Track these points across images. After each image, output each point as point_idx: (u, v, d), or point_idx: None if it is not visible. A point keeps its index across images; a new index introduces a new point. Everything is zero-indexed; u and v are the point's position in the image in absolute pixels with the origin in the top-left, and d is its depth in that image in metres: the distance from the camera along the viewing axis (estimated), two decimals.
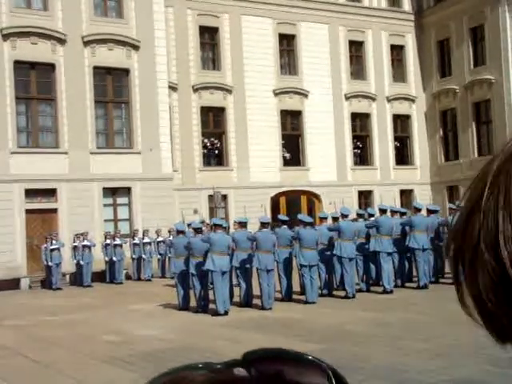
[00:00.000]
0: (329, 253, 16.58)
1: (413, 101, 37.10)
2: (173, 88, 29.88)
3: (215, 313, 14.26)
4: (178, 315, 14.85)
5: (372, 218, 18.14)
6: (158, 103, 27.54)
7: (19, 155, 24.86)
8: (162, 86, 27.88)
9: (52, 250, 23.39)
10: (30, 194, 24.88)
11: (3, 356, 10.78)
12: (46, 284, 23.72)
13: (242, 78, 32.03)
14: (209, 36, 32.25)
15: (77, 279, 24.29)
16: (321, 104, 33.82)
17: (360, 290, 16.74)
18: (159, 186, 26.81)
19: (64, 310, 16.64)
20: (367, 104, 35.68)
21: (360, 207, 28.71)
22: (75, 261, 24.09)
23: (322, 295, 16.21)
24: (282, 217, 17.74)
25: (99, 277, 24.42)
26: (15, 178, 24.43)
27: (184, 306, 15.53)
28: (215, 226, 15.15)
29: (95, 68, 26.60)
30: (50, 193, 25.44)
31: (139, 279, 25.26)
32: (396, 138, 36.62)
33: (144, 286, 22.74)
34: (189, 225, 18.05)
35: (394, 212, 18.23)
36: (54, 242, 23.57)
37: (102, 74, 27.00)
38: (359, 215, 18.59)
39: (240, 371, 0.45)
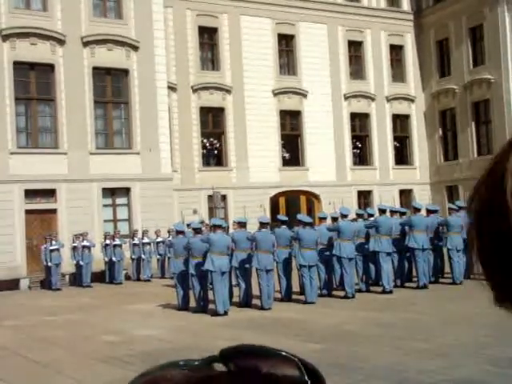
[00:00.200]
0: (328, 253, 16.58)
1: (412, 101, 37.11)
2: (172, 88, 29.88)
3: (215, 313, 14.26)
4: (177, 315, 14.85)
5: (371, 218, 18.13)
6: (157, 103, 27.53)
7: (19, 156, 24.86)
8: (161, 86, 27.88)
9: (51, 251, 23.39)
10: (30, 194, 24.87)
11: (2, 356, 10.79)
12: (46, 284, 23.71)
13: (241, 79, 32.03)
14: (208, 36, 32.25)
15: (76, 279, 24.29)
16: (320, 104, 33.83)
17: (359, 290, 16.74)
18: (158, 187, 26.81)
19: (63, 311, 16.64)
20: (366, 104, 35.68)
21: (359, 207, 28.73)
22: (75, 261, 24.09)
23: (321, 295, 16.21)
24: (282, 217, 17.75)
25: (99, 277, 24.42)
26: (15, 178, 24.43)
27: (183, 306, 15.53)
28: (215, 227, 15.14)
29: (94, 68, 26.60)
30: (50, 193, 25.43)
31: (139, 279, 25.25)
32: (395, 138, 36.62)
33: (143, 287, 22.74)
34: (188, 225, 18.06)
35: (393, 212, 18.23)
36: (53, 242, 23.57)
37: (102, 74, 26.99)
38: (358, 215, 18.59)
39: (219, 367, 0.47)
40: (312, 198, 33.56)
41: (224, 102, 31.78)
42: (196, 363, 0.48)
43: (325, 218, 17.81)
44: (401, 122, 37.12)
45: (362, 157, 35.76)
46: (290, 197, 33.05)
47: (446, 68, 36.35)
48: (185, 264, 15.46)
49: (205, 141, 31.42)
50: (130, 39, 27.25)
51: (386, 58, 36.51)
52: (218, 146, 31.85)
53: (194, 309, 15.18)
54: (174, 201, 28.04)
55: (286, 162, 33.19)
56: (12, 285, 23.50)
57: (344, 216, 17.09)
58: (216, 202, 28.13)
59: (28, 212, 24.83)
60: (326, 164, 33.47)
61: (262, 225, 15.57)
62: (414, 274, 17.27)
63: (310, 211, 31.18)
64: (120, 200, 27.01)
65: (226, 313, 14.30)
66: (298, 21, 33.81)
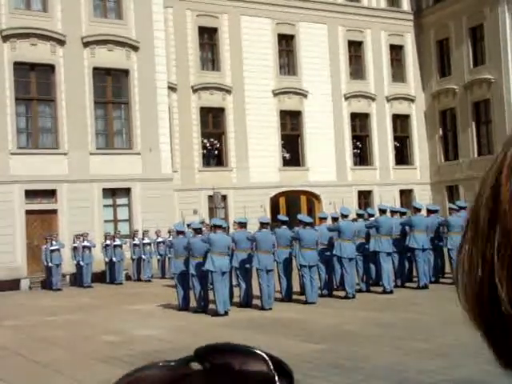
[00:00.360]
0: (329, 253, 16.57)
1: (412, 101, 37.10)
2: (172, 88, 29.89)
3: (215, 313, 14.26)
4: (177, 315, 14.85)
5: (372, 218, 18.13)
6: (157, 104, 27.54)
7: (19, 156, 24.86)
8: (162, 86, 27.88)
9: (52, 251, 23.39)
10: (30, 194, 24.88)
11: (3, 356, 10.79)
12: (46, 285, 23.71)
13: (241, 79, 32.03)
14: (208, 36, 32.26)
15: (77, 280, 24.29)
16: (320, 104, 33.82)
17: (360, 290, 16.74)
18: (159, 187, 26.81)
19: (64, 311, 16.64)
20: (367, 104, 35.68)
21: (360, 207, 28.72)
22: (75, 261, 24.09)
23: (321, 295, 16.21)
24: (282, 217, 17.75)
25: (99, 277, 24.42)
26: (15, 178, 24.43)
27: (184, 307, 15.54)
28: (215, 227, 15.15)
29: (95, 69, 26.60)
30: (50, 193, 25.43)
31: (139, 280, 25.25)
32: (395, 138, 36.62)
33: (144, 287, 22.74)
34: (188, 225, 18.06)
35: (393, 212, 18.23)
36: (53, 242, 23.57)
37: (102, 74, 27.00)
38: (359, 215, 18.58)
39: (195, 365, 0.50)
40: (312, 198, 33.55)
41: (224, 102, 31.78)
42: (172, 363, 0.51)
43: (325, 218, 17.81)
44: (401, 122, 37.11)
45: (362, 157, 35.76)
46: (291, 197, 33.05)
47: (446, 68, 36.35)
48: (185, 264, 15.46)
49: (205, 141, 31.43)
50: (130, 39, 27.25)
51: (386, 57, 36.51)
52: (218, 146, 31.85)
53: (194, 309, 15.18)
54: (174, 201, 28.04)
55: (287, 162, 33.19)
56: (12, 285, 23.49)
57: (344, 216, 17.09)
58: (216, 202, 28.13)
59: (28, 212, 24.83)
60: (326, 164, 33.47)
61: (263, 225, 15.57)
62: (415, 274, 17.27)
63: (311, 211, 31.18)
64: (120, 200, 27.01)
65: (226, 313, 14.30)
66: (298, 21, 33.81)
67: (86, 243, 24.08)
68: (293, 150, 33.47)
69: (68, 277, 24.77)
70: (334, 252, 16.36)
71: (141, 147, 27.15)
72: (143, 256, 25.33)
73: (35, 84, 25.85)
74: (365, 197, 34.72)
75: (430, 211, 18.15)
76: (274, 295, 15.46)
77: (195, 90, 31.21)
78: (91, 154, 26.21)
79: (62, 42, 26.03)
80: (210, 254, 14.50)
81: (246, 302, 15.32)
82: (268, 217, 19.92)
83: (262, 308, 14.77)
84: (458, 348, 9.16)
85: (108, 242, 24.84)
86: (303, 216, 17.71)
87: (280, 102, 33.17)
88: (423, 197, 32.07)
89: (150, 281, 24.72)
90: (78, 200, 25.30)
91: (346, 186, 33.82)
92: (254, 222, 18.17)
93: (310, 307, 14.94)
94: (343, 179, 34.18)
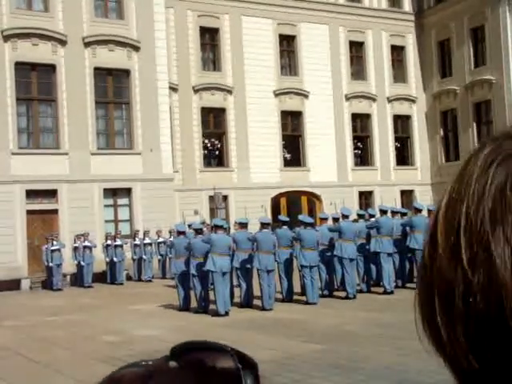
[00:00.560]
0: (329, 253, 16.57)
1: (413, 101, 37.10)
2: (173, 89, 29.90)
3: (216, 313, 14.26)
4: (178, 316, 14.85)
5: (372, 219, 18.12)
6: (158, 104, 27.55)
7: (20, 156, 24.87)
8: (163, 86, 27.89)
9: (53, 251, 23.39)
10: (31, 194, 24.89)
11: (3, 356, 10.79)
12: (47, 285, 23.72)
13: (242, 79, 32.04)
14: (209, 37, 32.26)
15: (77, 280, 24.29)
16: (321, 105, 33.83)
17: (361, 291, 16.74)
18: (160, 187, 26.81)
19: (64, 311, 16.65)
20: (368, 104, 35.68)
21: (360, 208, 28.69)
22: (76, 261, 24.09)
23: (322, 296, 16.21)
24: (283, 217, 17.75)
25: (100, 277, 24.42)
26: (16, 178, 24.44)
27: (184, 307, 15.54)
28: (216, 227, 15.15)
29: (96, 69, 26.61)
30: (51, 194, 25.44)
31: (140, 280, 25.26)
32: (396, 139, 36.62)
33: (144, 287, 22.75)
34: (189, 225, 18.07)
35: (394, 212, 18.21)
36: (54, 242, 23.58)
37: (103, 74, 27.01)
38: (360, 216, 18.57)
39: (172, 363, 0.53)
40: (313, 199, 33.55)
41: (225, 103, 31.79)
42: (150, 362, 0.54)
43: (326, 219, 17.82)
44: (402, 123, 37.11)
45: (363, 157, 35.76)
46: (291, 197, 33.05)
47: (447, 69, 36.34)
48: (186, 264, 15.47)
49: (206, 141, 31.44)
50: (131, 40, 27.27)
51: (387, 58, 36.51)
52: (219, 146, 31.87)
53: (194, 309, 15.18)
54: (175, 201, 28.04)
55: (287, 163, 33.19)
56: (13, 285, 23.50)
57: (345, 216, 17.09)
58: (217, 202, 28.14)
59: (29, 212, 24.84)
60: (327, 164, 33.47)
61: (263, 225, 15.56)
62: (415, 274, 17.25)
63: (311, 212, 31.16)
64: (121, 200, 27.02)
65: (227, 313, 14.30)
66: (299, 21, 33.81)
67: (86, 243, 24.09)
68: (294, 151, 33.47)
69: (69, 277, 24.77)
70: (335, 252, 16.36)
71: (142, 147, 27.16)
72: (144, 256, 25.33)
73: (36, 84, 25.86)
74: (366, 197, 34.72)
75: (430, 212, 18.12)
76: (275, 296, 15.46)
77: (196, 91, 31.22)
78: (92, 154, 26.22)
79: (63, 42, 26.04)
80: (210, 255, 14.50)
81: (247, 303, 15.32)
82: (269, 217, 19.91)
83: (263, 308, 14.77)
84: None
85: (109, 242, 24.84)
86: (304, 216, 17.71)
87: (281, 102, 33.18)
88: (424, 197, 32.04)
89: (150, 281, 24.73)
90: (79, 200, 25.31)
91: (347, 187, 33.81)
92: (254, 223, 18.14)
93: (310, 308, 14.94)
94: (344, 180, 34.18)
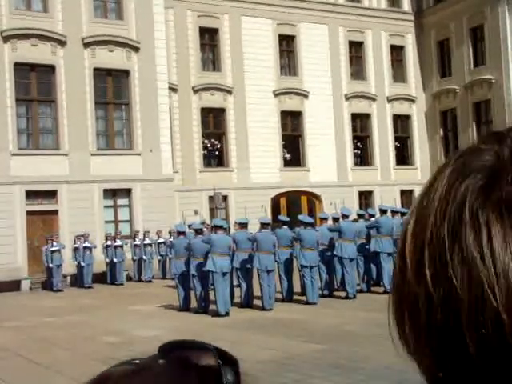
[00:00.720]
0: (329, 253, 16.58)
1: (413, 101, 37.10)
2: (173, 89, 29.89)
3: (216, 314, 14.26)
4: (178, 316, 14.85)
5: (372, 219, 18.13)
6: (158, 104, 27.54)
7: (20, 157, 24.87)
8: (162, 87, 27.89)
9: (53, 252, 23.39)
10: (31, 195, 24.88)
11: (4, 357, 10.79)
12: (47, 285, 23.72)
13: (242, 79, 32.04)
14: (209, 37, 32.26)
15: (77, 280, 24.29)
16: (321, 105, 33.83)
17: (361, 291, 16.74)
18: (160, 187, 26.81)
19: (64, 311, 16.64)
20: (367, 104, 35.68)
21: (360, 208, 28.69)
22: (76, 262, 24.09)
23: (322, 296, 16.21)
24: (283, 217, 17.76)
25: (100, 278, 24.42)
26: (16, 179, 24.44)
27: (185, 307, 15.54)
28: (216, 227, 15.15)
29: (95, 69, 26.61)
30: (51, 194, 25.44)
31: (140, 280, 25.26)
32: (396, 139, 36.62)
33: (144, 287, 22.75)
34: (189, 226, 18.07)
35: (394, 212, 18.18)
36: (54, 243, 23.57)
37: (102, 75, 27.00)
38: (360, 216, 18.57)
39: (160, 361, 0.57)
40: (313, 199, 33.55)
41: (225, 103, 31.79)
42: (137, 361, 0.58)
43: (326, 219, 17.82)
44: (402, 123, 37.11)
45: (362, 157, 35.76)
46: (291, 197, 33.04)
47: (446, 68, 36.35)
48: (186, 265, 15.47)
49: (206, 141, 31.43)
50: (130, 40, 27.27)
51: (386, 58, 36.51)
52: (218, 146, 31.86)
53: (195, 309, 15.18)
54: (175, 201, 28.04)
55: (287, 163, 33.19)
56: (13, 286, 23.49)
57: (345, 216, 17.10)
58: (217, 202, 28.14)
59: (29, 213, 24.84)
60: (326, 164, 33.47)
61: (263, 225, 15.57)
62: None
63: (311, 212, 31.16)
64: (121, 201, 27.02)
65: (227, 313, 14.30)
66: (299, 21, 33.81)
67: (86, 244, 24.09)
68: (293, 151, 33.47)
69: (69, 277, 24.77)
70: (335, 252, 16.36)
71: (141, 148, 27.15)
72: (144, 257, 25.34)
73: (36, 85, 25.86)
74: (365, 197, 34.72)
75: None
76: (275, 296, 15.46)
77: (196, 91, 31.22)
78: (92, 154, 26.22)
79: (62, 43, 26.04)
80: (210, 255, 14.50)
81: (247, 303, 15.32)
82: (269, 217, 19.92)
83: (263, 308, 14.77)
84: None
85: (109, 242, 24.85)
86: (304, 216, 17.71)
87: (281, 102, 33.18)
88: None
89: (150, 281, 24.73)
90: (79, 201, 25.31)
91: (347, 187, 33.81)
92: (254, 223, 18.16)
93: (310, 308, 14.94)
94: (344, 180, 34.18)
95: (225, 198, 29.67)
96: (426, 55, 36.99)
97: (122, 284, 24.19)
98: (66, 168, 25.68)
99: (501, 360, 0.48)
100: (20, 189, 24.63)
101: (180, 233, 16.56)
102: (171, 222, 24.92)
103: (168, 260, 23.74)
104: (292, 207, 31.94)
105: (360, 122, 35.81)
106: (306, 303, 15.34)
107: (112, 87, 27.37)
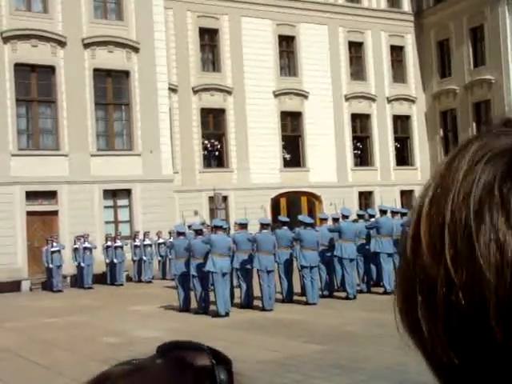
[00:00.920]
0: (329, 254, 16.58)
1: (413, 101, 37.11)
2: (173, 90, 29.89)
3: (216, 314, 14.26)
4: (178, 317, 14.85)
5: (372, 219, 18.13)
6: (157, 105, 27.54)
7: (20, 157, 24.87)
8: (162, 87, 27.89)
9: (53, 252, 23.38)
10: (31, 196, 24.88)
11: (4, 358, 10.79)
12: (47, 286, 23.71)
13: (241, 80, 32.04)
14: (208, 37, 32.27)
15: (77, 281, 24.29)
16: (321, 105, 33.83)
17: (361, 291, 16.75)
18: (159, 188, 26.81)
19: (65, 312, 16.64)
20: (367, 105, 35.69)
21: (360, 208, 28.70)
22: (76, 263, 24.09)
23: (322, 296, 16.21)
24: (283, 218, 17.77)
25: (100, 279, 24.42)
26: (16, 180, 24.44)
27: (185, 308, 15.54)
28: (216, 228, 15.16)
29: (95, 70, 26.61)
30: (51, 195, 25.44)
31: (140, 281, 25.26)
32: (396, 139, 36.62)
33: (145, 288, 22.74)
34: (189, 226, 18.06)
35: (394, 213, 18.18)
36: (54, 244, 23.56)
37: (102, 76, 27.01)
38: (360, 216, 18.58)
39: (158, 361, 0.59)
40: (313, 199, 33.55)
41: (225, 104, 31.79)
42: (135, 361, 0.60)
43: (326, 219, 17.82)
44: (401, 123, 37.12)
45: (362, 158, 35.76)
46: (291, 198, 33.04)
47: (446, 69, 36.36)
48: (186, 265, 15.47)
49: (206, 142, 31.44)
50: (130, 41, 27.27)
51: (386, 58, 36.52)
52: (218, 147, 31.86)
53: (195, 310, 15.18)
54: (174, 202, 28.04)
55: (287, 163, 33.19)
56: (13, 287, 23.49)
57: (345, 217, 17.10)
58: (217, 203, 28.14)
59: (29, 214, 24.84)
60: (326, 165, 33.47)
61: (263, 226, 15.57)
62: None
63: (311, 212, 31.15)
64: (121, 201, 27.01)
65: (227, 314, 14.30)
66: (299, 22, 33.82)
67: (86, 244, 24.09)
68: (293, 151, 33.47)
69: (69, 278, 24.77)
70: (335, 253, 16.36)
71: (141, 148, 27.15)
72: (144, 257, 25.33)
73: (36, 85, 25.86)
74: (365, 197, 34.72)
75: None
76: (275, 296, 15.46)
77: (196, 91, 31.22)
78: (92, 155, 26.22)
79: (62, 44, 26.04)
80: (210, 255, 14.51)
81: (247, 303, 15.33)
82: (269, 218, 19.94)
83: (263, 309, 14.77)
84: None
85: (109, 243, 24.84)
86: (304, 217, 17.72)
87: (280, 102, 33.18)
88: None
89: (150, 282, 24.73)
90: (79, 201, 25.31)
91: (347, 187, 33.82)
92: (254, 223, 18.16)
93: (310, 308, 14.94)
94: (344, 180, 34.18)
95: (225, 198, 29.67)
96: (425, 55, 37.00)
97: (122, 285, 24.19)
98: (66, 169, 25.68)
99: None
100: (20, 189, 24.63)
101: (180, 233, 16.56)
102: (171, 222, 24.91)
103: (168, 260, 23.75)
104: (292, 208, 31.94)
105: (360, 123, 35.81)
106: (306, 304, 15.35)
107: (112, 88, 27.37)
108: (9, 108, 24.83)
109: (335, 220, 17.20)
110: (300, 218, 17.06)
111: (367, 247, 17.10)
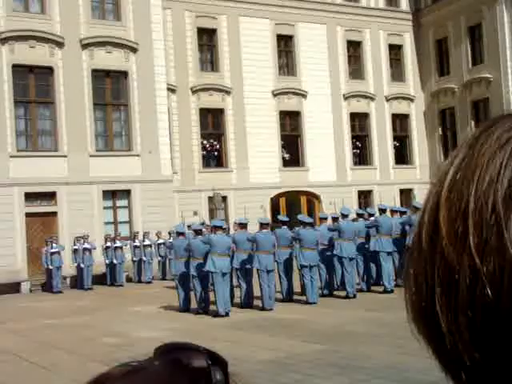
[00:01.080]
0: (329, 253, 16.58)
1: (411, 100, 37.11)
2: (171, 90, 29.88)
3: (216, 314, 14.26)
4: (178, 317, 14.85)
5: (372, 218, 18.13)
6: (156, 105, 27.53)
7: (18, 159, 24.85)
8: (161, 88, 27.88)
9: (52, 253, 23.36)
10: (30, 197, 24.87)
11: (4, 359, 10.78)
12: (47, 287, 23.70)
13: (240, 80, 32.03)
14: (207, 37, 32.26)
15: (77, 282, 24.27)
16: (319, 104, 33.83)
17: (360, 290, 16.75)
18: (159, 188, 26.80)
19: (64, 313, 16.64)
20: (366, 104, 35.69)
21: (360, 207, 28.72)
22: (75, 264, 24.08)
23: (322, 295, 16.22)
24: (282, 217, 17.75)
25: (100, 279, 24.41)
26: (15, 181, 24.42)
27: (185, 308, 15.54)
28: (215, 228, 15.15)
29: (94, 71, 26.59)
30: (50, 196, 25.43)
31: (140, 281, 25.25)
32: (395, 138, 36.63)
33: (144, 288, 22.74)
34: (189, 226, 18.06)
35: (393, 211, 18.20)
36: (54, 245, 23.54)
37: (101, 76, 26.99)
38: (359, 215, 18.59)
39: (155, 362, 0.60)
40: (312, 199, 33.55)
41: (223, 103, 31.78)
42: (134, 362, 0.60)
43: (325, 218, 17.82)
44: (400, 122, 37.12)
45: (362, 157, 35.76)
46: (291, 197, 33.03)
47: (445, 67, 36.36)
48: (186, 265, 15.46)
49: (205, 142, 31.42)
50: (128, 41, 27.25)
51: (385, 57, 36.52)
52: (217, 147, 31.85)
53: (195, 310, 15.18)
54: (174, 202, 28.03)
55: (286, 163, 33.19)
56: (13, 288, 23.47)
57: (344, 216, 17.10)
58: (216, 203, 28.13)
59: (28, 215, 24.82)
60: (326, 164, 33.47)
61: (263, 225, 15.57)
62: None
63: (311, 211, 31.16)
64: (120, 202, 27.00)
65: (227, 314, 14.30)
66: (297, 21, 33.81)
67: (86, 245, 24.07)
68: (292, 151, 33.47)
69: (68, 279, 24.76)
70: (335, 252, 16.37)
71: (140, 149, 27.14)
72: (144, 258, 25.32)
73: (34, 86, 25.84)
74: (365, 196, 34.73)
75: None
76: (275, 296, 15.46)
77: (194, 91, 31.21)
78: (91, 156, 26.20)
79: (60, 44, 26.02)
80: (210, 255, 14.51)
81: (247, 303, 15.33)
82: (268, 217, 19.93)
83: (263, 308, 14.77)
84: None
85: (108, 243, 24.83)
86: (303, 216, 17.72)
87: (279, 102, 33.18)
88: (423, 196, 31.68)
89: (150, 282, 24.72)
90: (78, 202, 25.29)
91: (346, 186, 33.82)
92: (254, 223, 18.16)
93: (310, 307, 14.95)
94: (343, 179, 34.18)
95: (224, 198, 29.66)
96: (424, 54, 37.00)
97: (121, 285, 24.18)
98: (65, 169, 25.67)
99: None
100: (19, 190, 24.61)
101: (179, 233, 16.56)
102: (171, 222, 24.91)
103: (168, 261, 23.74)
104: (291, 207, 31.92)
105: (359, 122, 35.81)
106: (306, 303, 15.35)
107: (110, 88, 27.36)
108: (7, 109, 24.82)
109: (335, 219, 17.19)
110: (299, 217, 17.05)
111: (367, 246, 17.11)
